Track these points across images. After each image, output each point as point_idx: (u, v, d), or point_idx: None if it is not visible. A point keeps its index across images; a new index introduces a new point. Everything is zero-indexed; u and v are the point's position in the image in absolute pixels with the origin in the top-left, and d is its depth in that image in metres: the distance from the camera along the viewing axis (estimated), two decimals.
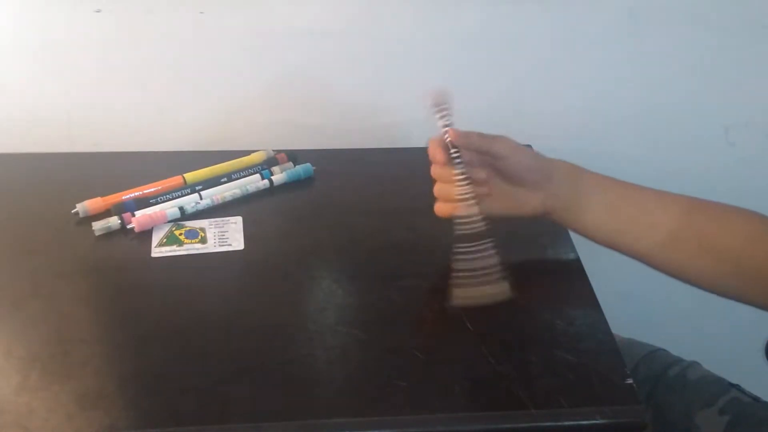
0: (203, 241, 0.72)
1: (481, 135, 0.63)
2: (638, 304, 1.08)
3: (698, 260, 0.63)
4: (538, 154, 0.67)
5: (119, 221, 0.72)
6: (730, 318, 1.10)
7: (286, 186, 0.81)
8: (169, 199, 0.76)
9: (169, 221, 0.74)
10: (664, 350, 0.83)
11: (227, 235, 0.73)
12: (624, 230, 0.65)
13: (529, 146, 0.70)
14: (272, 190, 0.80)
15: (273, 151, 0.84)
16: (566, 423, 0.55)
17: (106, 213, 0.74)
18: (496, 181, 0.65)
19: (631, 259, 0.66)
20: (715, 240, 0.62)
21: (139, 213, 0.73)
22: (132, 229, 0.72)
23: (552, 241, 0.73)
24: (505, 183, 0.65)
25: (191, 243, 0.71)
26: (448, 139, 0.63)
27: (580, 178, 0.66)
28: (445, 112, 0.64)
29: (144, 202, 0.75)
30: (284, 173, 0.81)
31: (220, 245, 0.71)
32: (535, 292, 0.67)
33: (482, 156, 0.64)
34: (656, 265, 0.65)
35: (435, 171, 0.65)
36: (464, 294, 0.62)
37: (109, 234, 0.72)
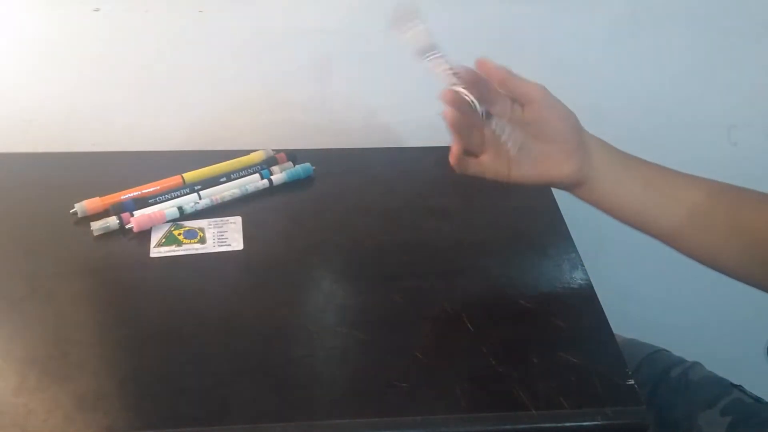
0: (202, 241, 0.71)
1: (510, 73, 0.56)
2: (640, 304, 1.07)
3: (729, 242, 0.60)
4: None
5: (118, 221, 0.72)
6: (732, 318, 1.10)
7: (285, 186, 0.80)
8: (168, 199, 0.76)
9: (168, 221, 0.73)
10: (666, 351, 0.82)
11: (226, 235, 0.72)
12: (653, 206, 0.60)
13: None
14: (272, 189, 0.79)
15: (272, 150, 0.84)
16: (567, 424, 0.55)
17: (104, 213, 0.73)
18: (525, 140, 0.58)
19: (655, 240, 0.61)
20: (748, 223, 0.59)
21: (137, 213, 0.73)
22: (131, 229, 0.72)
23: (552, 241, 0.73)
24: (536, 141, 0.58)
25: (190, 243, 0.71)
26: (458, 86, 0.53)
27: (612, 151, 0.61)
28: (435, 51, 0.54)
29: (143, 202, 0.75)
30: (284, 173, 0.80)
31: (219, 245, 0.71)
32: (535, 292, 0.67)
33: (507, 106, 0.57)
34: (684, 246, 0.61)
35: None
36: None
37: (108, 234, 0.72)
